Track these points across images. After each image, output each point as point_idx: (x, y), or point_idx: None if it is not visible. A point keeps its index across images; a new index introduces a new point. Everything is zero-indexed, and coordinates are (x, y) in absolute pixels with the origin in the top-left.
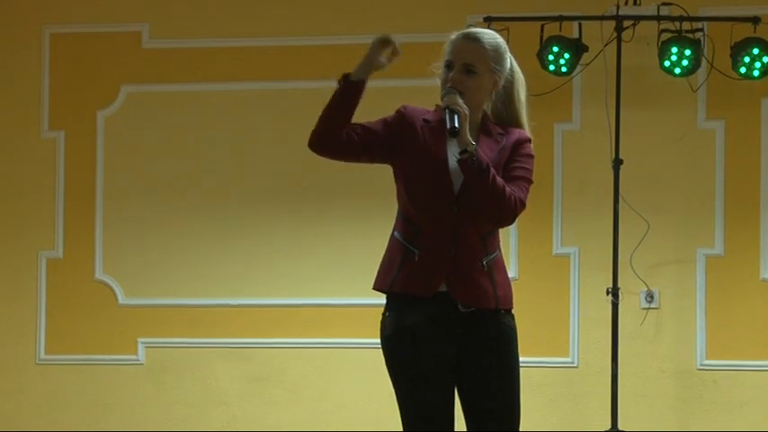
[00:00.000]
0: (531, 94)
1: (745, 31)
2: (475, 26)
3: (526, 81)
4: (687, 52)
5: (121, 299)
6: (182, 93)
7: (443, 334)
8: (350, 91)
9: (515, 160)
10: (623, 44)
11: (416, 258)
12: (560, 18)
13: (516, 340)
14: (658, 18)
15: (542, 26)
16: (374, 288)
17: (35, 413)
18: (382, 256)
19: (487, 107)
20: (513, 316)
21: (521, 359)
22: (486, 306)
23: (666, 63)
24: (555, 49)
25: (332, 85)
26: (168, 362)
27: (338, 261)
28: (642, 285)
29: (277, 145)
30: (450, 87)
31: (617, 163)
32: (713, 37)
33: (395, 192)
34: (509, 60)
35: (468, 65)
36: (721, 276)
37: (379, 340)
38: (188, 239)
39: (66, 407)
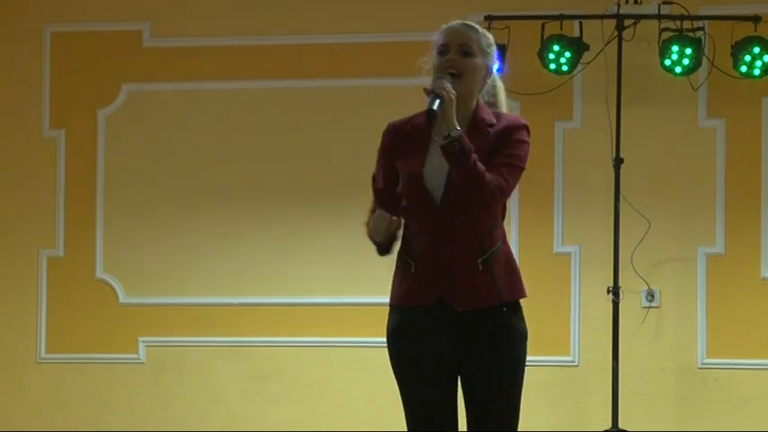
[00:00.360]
0: (532, 93)
1: (746, 29)
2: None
3: (526, 80)
4: (688, 51)
5: (122, 298)
6: (182, 91)
7: (443, 334)
8: (385, 251)
9: (503, 146)
10: (624, 43)
11: (413, 270)
12: (561, 17)
13: (520, 339)
14: (659, 17)
15: (543, 25)
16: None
17: (35, 412)
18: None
19: (481, 95)
20: (519, 313)
21: None
22: (486, 304)
23: (667, 62)
24: (556, 47)
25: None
26: (168, 360)
27: (339, 260)
28: (643, 284)
29: (278, 143)
30: (443, 74)
31: (618, 161)
32: (714, 36)
33: None
34: (495, 54)
35: (464, 45)
36: (722, 275)
37: (378, 339)
38: (188, 238)
39: (66, 405)
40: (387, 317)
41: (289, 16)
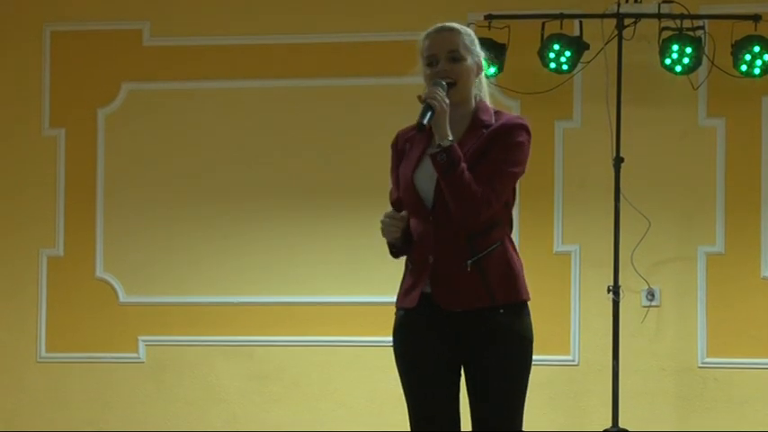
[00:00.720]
0: (532, 93)
1: (746, 28)
2: (470, 25)
3: (526, 79)
4: (688, 50)
5: (122, 297)
6: (182, 90)
7: (435, 335)
8: (398, 252)
9: (497, 149)
10: (624, 42)
11: (408, 272)
12: (561, 16)
13: (519, 340)
14: (659, 16)
15: (543, 24)
16: None
17: (35, 411)
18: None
19: (477, 95)
20: (521, 314)
21: None
22: (475, 305)
23: (667, 61)
24: (556, 46)
25: (332, 84)
26: (169, 360)
27: (339, 259)
28: (643, 283)
29: (278, 142)
30: (437, 81)
31: (618, 161)
32: (714, 35)
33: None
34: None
35: (452, 51)
36: (722, 274)
37: (378, 338)
38: (188, 237)
39: (66, 405)
40: (387, 317)
41: (289, 16)
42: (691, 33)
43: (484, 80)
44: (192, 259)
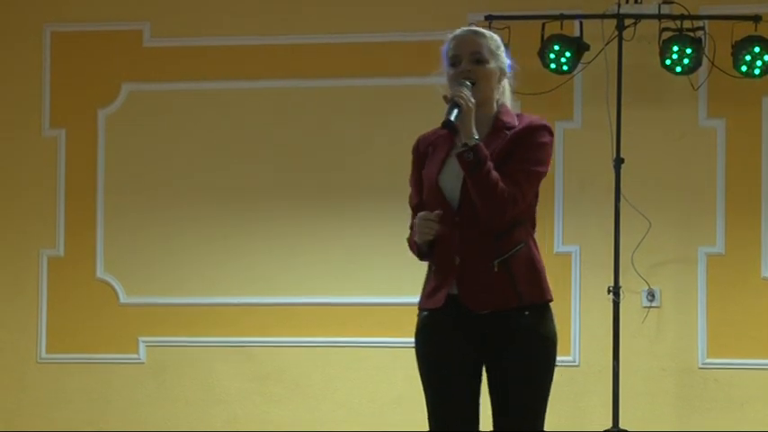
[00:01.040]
0: (533, 93)
1: (747, 29)
2: (476, 25)
3: (526, 80)
4: (688, 51)
5: (122, 298)
6: (183, 91)
7: (461, 335)
8: (427, 255)
9: (521, 149)
10: (624, 43)
11: (432, 273)
12: (561, 17)
13: (542, 341)
14: (659, 16)
15: (543, 25)
16: None
17: (36, 411)
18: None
19: (499, 99)
20: (545, 315)
21: None
22: (503, 306)
23: (667, 61)
24: (556, 47)
25: (332, 85)
26: (169, 361)
27: (339, 259)
28: (643, 284)
29: (278, 143)
30: (461, 81)
31: (618, 161)
32: (714, 35)
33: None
34: (505, 54)
35: (476, 53)
36: (722, 275)
37: (379, 339)
38: (189, 238)
39: (66, 405)
40: (387, 317)
41: (289, 16)
42: (691, 34)
43: (507, 87)
44: (193, 260)
